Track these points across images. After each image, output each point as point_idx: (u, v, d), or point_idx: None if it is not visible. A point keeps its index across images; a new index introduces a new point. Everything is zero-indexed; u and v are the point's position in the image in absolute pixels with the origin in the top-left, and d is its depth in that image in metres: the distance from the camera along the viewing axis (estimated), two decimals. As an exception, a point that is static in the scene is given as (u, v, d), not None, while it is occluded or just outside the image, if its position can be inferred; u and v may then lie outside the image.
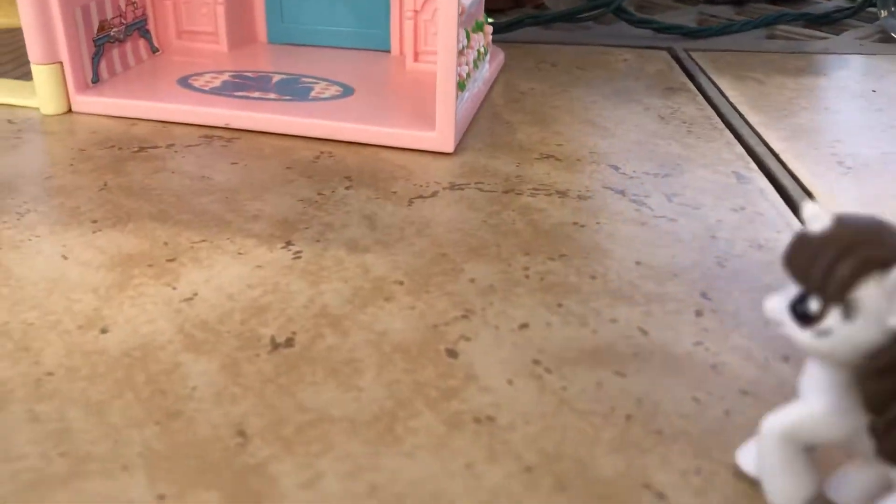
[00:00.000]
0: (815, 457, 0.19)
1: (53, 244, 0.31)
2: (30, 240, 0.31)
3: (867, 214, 0.16)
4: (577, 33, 0.65)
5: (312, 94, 0.45)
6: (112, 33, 0.46)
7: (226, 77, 0.47)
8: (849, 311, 0.15)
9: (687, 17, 0.71)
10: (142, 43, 0.49)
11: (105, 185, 0.36)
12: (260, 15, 0.53)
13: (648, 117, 0.46)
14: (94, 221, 0.33)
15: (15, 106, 0.44)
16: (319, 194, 0.36)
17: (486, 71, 0.49)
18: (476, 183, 0.37)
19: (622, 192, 0.37)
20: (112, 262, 0.30)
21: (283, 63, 0.50)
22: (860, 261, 0.15)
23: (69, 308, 0.27)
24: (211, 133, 0.42)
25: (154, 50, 0.50)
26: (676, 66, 0.56)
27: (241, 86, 0.46)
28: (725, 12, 0.74)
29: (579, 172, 0.39)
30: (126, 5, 0.47)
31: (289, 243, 0.32)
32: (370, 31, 0.52)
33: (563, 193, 0.36)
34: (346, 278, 0.29)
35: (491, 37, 0.49)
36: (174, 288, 0.29)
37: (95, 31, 0.44)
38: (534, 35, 0.63)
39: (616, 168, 0.39)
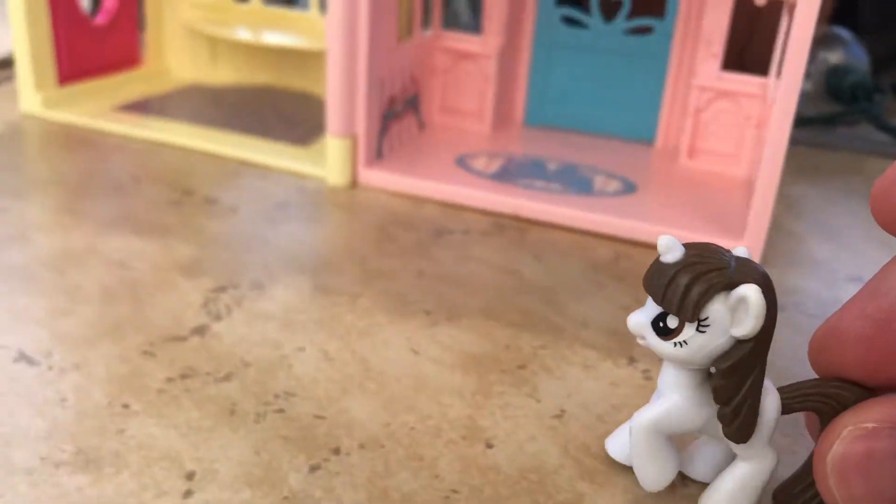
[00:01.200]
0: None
1: (397, 335, 0.30)
2: (372, 327, 0.31)
3: (710, 244, 0.20)
4: (826, 135, 0.62)
5: (595, 187, 0.44)
6: (396, 109, 0.46)
7: (501, 161, 0.46)
8: (700, 327, 0.19)
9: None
10: (413, 118, 0.49)
11: (421, 272, 0.35)
12: (520, 95, 0.53)
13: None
14: (428, 313, 0.32)
15: (302, 174, 0.45)
16: (638, 302, 0.34)
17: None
18: (794, 303, 0.35)
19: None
20: (464, 364, 0.29)
21: (551, 148, 0.49)
22: (708, 286, 0.19)
23: (444, 414, 0.26)
24: (500, 221, 0.41)
25: (421, 126, 0.50)
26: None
27: (519, 171, 0.45)
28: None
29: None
30: (408, 80, 0.47)
31: (632, 359, 0.30)
32: (635, 121, 0.51)
33: None
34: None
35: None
36: (538, 401, 0.27)
37: (385, 106, 0.45)
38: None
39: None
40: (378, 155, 0.45)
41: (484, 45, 0.50)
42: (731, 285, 0.19)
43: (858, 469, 0.18)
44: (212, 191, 0.42)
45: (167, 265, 0.34)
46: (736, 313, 0.19)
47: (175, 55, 0.59)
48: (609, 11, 0.50)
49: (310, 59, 0.57)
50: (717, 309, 0.19)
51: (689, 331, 0.19)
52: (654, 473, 0.22)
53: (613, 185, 0.44)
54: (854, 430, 0.18)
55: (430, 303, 0.33)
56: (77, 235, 0.36)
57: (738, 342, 0.19)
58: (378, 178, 0.44)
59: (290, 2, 0.71)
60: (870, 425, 0.18)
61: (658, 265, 0.20)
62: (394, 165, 0.44)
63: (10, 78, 0.58)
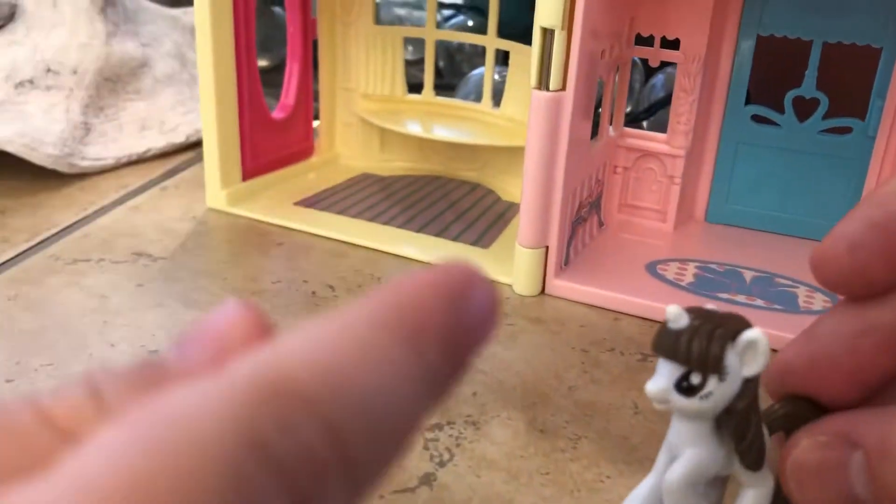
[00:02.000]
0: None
1: (628, 492, 0.29)
2: (601, 481, 0.29)
3: (700, 307, 0.21)
4: None
5: (801, 303, 0.41)
6: (583, 213, 0.45)
7: (694, 269, 0.45)
8: (722, 376, 0.21)
9: None
10: (595, 218, 0.48)
11: (636, 407, 0.34)
12: (703, 193, 0.51)
13: None
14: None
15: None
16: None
17: None
18: None
19: None
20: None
21: (743, 254, 0.47)
22: (722, 339, 0.20)
23: None
24: (703, 340, 0.39)
25: (601, 224, 0.49)
26: None
27: (716, 283, 0.43)
28: None
29: None
30: (594, 183, 0.46)
31: None
32: (829, 225, 0.48)
33: None
34: None
35: None
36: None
37: (574, 213, 0.44)
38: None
39: None
40: (565, 262, 0.44)
41: (671, 144, 0.48)
42: (734, 334, 0.22)
43: (812, 476, 0.21)
44: (404, 302, 0.41)
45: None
46: (744, 356, 0.21)
47: (346, 144, 0.60)
48: (803, 111, 0.48)
49: (479, 149, 0.57)
50: (731, 357, 0.21)
51: (712, 383, 0.22)
52: None
53: (818, 301, 0.41)
54: (811, 442, 0.21)
55: (654, 448, 0.31)
56: (285, 357, 0.36)
57: (747, 382, 0.22)
58: (568, 288, 0.42)
59: (450, 88, 0.71)
60: (823, 438, 0.21)
61: (673, 332, 0.22)
62: (583, 274, 0.43)
63: (190, 163, 0.60)
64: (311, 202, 0.53)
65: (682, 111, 0.48)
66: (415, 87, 0.60)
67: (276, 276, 0.43)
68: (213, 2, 0.46)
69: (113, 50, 0.60)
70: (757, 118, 0.49)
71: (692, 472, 0.23)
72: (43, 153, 0.53)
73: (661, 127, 0.67)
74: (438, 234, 0.49)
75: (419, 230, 0.49)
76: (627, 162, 0.50)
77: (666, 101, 0.64)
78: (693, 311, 0.22)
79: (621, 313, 0.41)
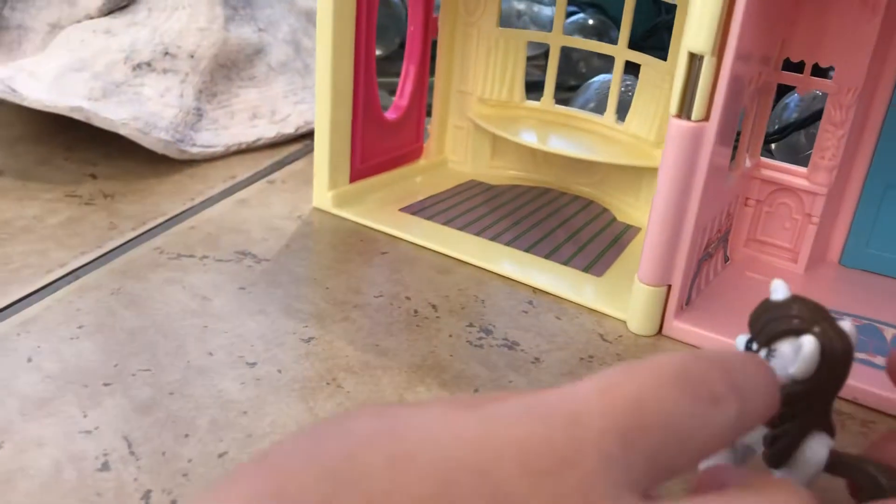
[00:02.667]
0: None
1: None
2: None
3: (814, 301, 0.24)
4: None
5: (952, 373, 0.37)
6: (710, 249, 0.42)
7: (829, 321, 0.41)
8: (771, 354, 0.23)
9: None
10: (721, 253, 0.44)
11: (763, 480, 0.31)
12: (840, 234, 0.47)
13: None
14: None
15: (600, 313, 0.41)
16: None
17: None
18: None
19: None
20: None
21: (881, 306, 0.43)
22: (788, 327, 0.23)
23: None
24: (837, 406, 0.36)
25: (726, 259, 0.46)
26: None
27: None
28: None
29: None
30: (725, 217, 0.43)
31: None
32: (985, 282, 0.44)
33: None
34: None
35: None
36: None
37: (702, 251, 0.40)
38: None
39: None
40: (687, 301, 0.40)
41: (812, 180, 0.44)
42: (801, 332, 0.23)
43: None
44: (510, 330, 0.39)
45: (483, 441, 0.31)
46: (797, 356, 0.23)
47: (456, 148, 0.58)
48: (969, 154, 0.43)
49: (596, 165, 0.54)
50: (785, 346, 0.23)
51: (762, 354, 0.24)
52: None
53: (974, 373, 0.37)
54: None
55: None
56: (386, 384, 0.34)
57: (794, 381, 0.23)
58: (688, 332, 0.39)
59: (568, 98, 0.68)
60: None
61: (765, 301, 0.25)
62: (705, 317, 0.40)
63: (298, 155, 0.59)
64: (418, 209, 0.51)
65: (828, 146, 0.44)
66: (530, 85, 0.57)
67: (378, 289, 0.42)
68: (337, -2, 0.45)
69: (230, 35, 0.60)
70: (912, 159, 0.44)
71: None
72: (154, 137, 0.53)
73: (791, 150, 0.63)
74: (548, 256, 0.46)
75: (528, 249, 0.47)
76: (761, 195, 0.46)
77: (800, 124, 0.60)
78: (793, 299, 0.24)
79: (746, 365, 0.38)
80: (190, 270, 0.42)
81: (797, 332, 0.23)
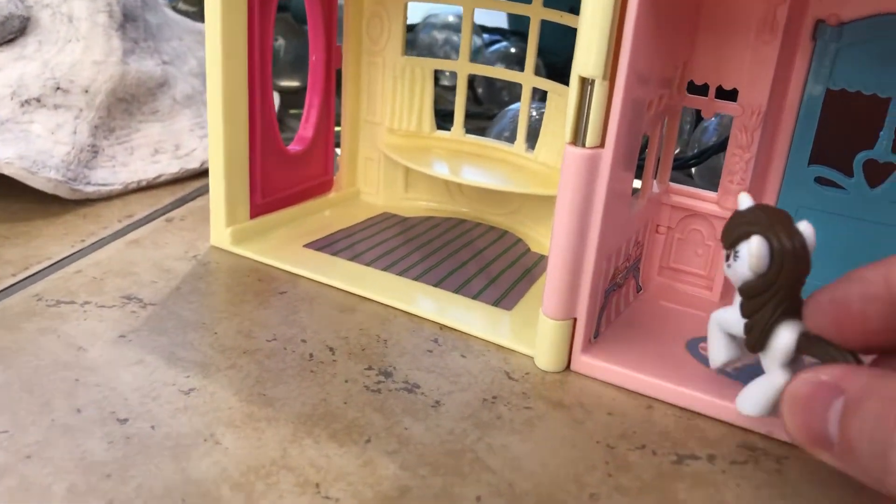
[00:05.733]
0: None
1: None
2: None
3: (775, 207, 0.31)
4: None
5: (865, 400, 0.36)
6: (618, 279, 0.40)
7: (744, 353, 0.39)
8: (734, 256, 0.29)
9: None
10: (632, 283, 0.43)
11: (668, 527, 0.29)
12: (754, 259, 0.46)
13: None
14: None
15: (508, 349, 0.39)
16: None
17: None
18: None
19: None
20: None
21: (798, 334, 0.41)
22: (741, 230, 0.28)
23: None
24: (749, 440, 0.34)
25: (638, 289, 0.44)
26: None
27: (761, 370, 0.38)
28: None
29: None
30: (634, 246, 0.42)
31: None
32: (898, 304, 0.43)
33: None
34: None
35: None
36: None
37: (608, 282, 0.39)
38: None
39: None
40: (595, 335, 0.39)
41: (722, 205, 0.43)
42: (751, 234, 0.27)
43: (799, 407, 0.25)
44: (411, 372, 0.37)
45: (372, 497, 0.29)
46: (751, 258, 0.27)
47: (367, 180, 0.56)
48: (875, 175, 0.42)
49: (510, 194, 0.52)
50: (742, 247, 0.28)
51: (731, 259, 0.29)
52: (716, 353, 0.33)
53: (887, 400, 0.36)
54: (808, 377, 0.25)
55: (686, 588, 0.26)
56: (269, 437, 0.32)
57: (756, 275, 0.28)
58: (597, 367, 0.38)
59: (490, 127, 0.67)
60: (820, 378, 0.25)
61: (734, 213, 0.29)
62: (614, 350, 0.38)
63: (202, 191, 0.56)
64: (324, 244, 0.48)
65: (736, 169, 0.43)
66: (450, 115, 0.55)
67: (272, 333, 0.39)
68: (226, 15, 0.42)
69: (129, 68, 0.57)
70: (821, 180, 0.44)
71: (719, 315, 0.32)
72: (43, 177, 0.50)
73: (712, 174, 0.62)
74: (458, 290, 0.44)
75: (437, 283, 0.45)
76: (672, 221, 0.45)
77: (719, 147, 0.59)
78: (756, 207, 0.29)
79: (656, 400, 0.36)
80: (68, 318, 0.39)
81: (748, 235, 0.27)
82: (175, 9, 0.87)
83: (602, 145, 0.34)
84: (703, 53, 0.42)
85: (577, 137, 0.34)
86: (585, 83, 0.33)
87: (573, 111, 0.34)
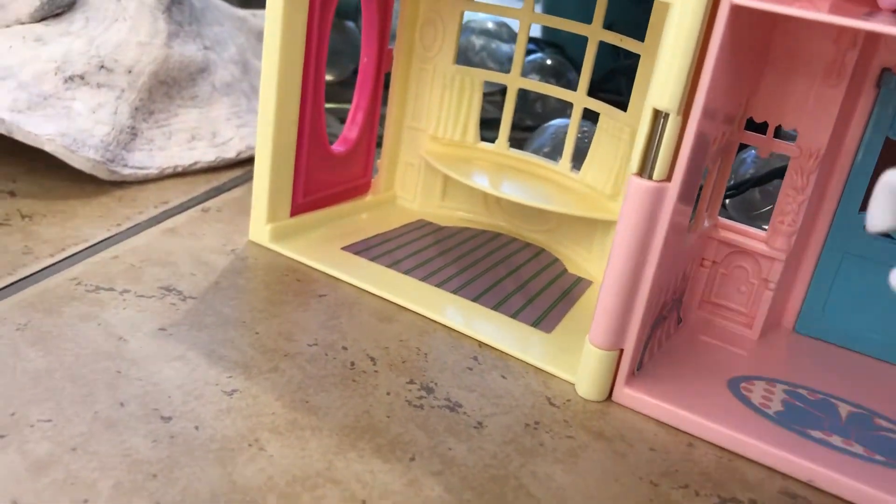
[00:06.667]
0: None
1: None
2: None
3: None
4: None
5: (907, 456, 0.36)
6: (665, 312, 0.40)
7: (783, 394, 0.39)
8: None
9: None
10: (674, 315, 0.43)
11: (716, 573, 0.29)
12: (796, 300, 0.46)
13: None
14: None
15: (548, 373, 0.39)
16: None
17: None
18: None
19: None
20: None
21: (836, 379, 0.41)
22: None
23: None
24: (790, 486, 0.34)
25: (679, 321, 0.44)
26: None
27: (806, 415, 0.38)
28: None
29: None
30: (681, 279, 0.41)
31: None
32: (938, 358, 0.43)
33: None
34: None
35: None
36: None
37: (656, 314, 0.38)
38: None
39: None
40: (639, 367, 0.38)
41: (771, 245, 0.43)
42: None
43: None
44: (453, 389, 0.37)
45: (417, 519, 0.29)
46: None
47: (406, 185, 0.56)
48: (928, 227, 0.42)
49: (547, 212, 0.52)
50: None
51: None
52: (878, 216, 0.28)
53: (929, 457, 0.36)
54: None
55: None
56: (314, 448, 0.31)
57: None
58: (639, 400, 0.37)
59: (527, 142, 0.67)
60: None
61: None
62: (657, 384, 0.38)
63: (237, 182, 0.56)
64: (361, 248, 0.48)
65: (788, 210, 0.42)
66: (486, 122, 0.55)
67: (313, 337, 0.39)
68: (286, 19, 0.42)
69: (173, 52, 0.56)
70: (870, 227, 0.43)
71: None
72: (82, 156, 0.49)
73: (746, 206, 0.62)
74: (496, 307, 0.44)
75: (475, 298, 0.44)
76: (717, 256, 0.45)
77: (757, 181, 0.59)
78: None
79: (697, 438, 0.36)
80: (108, 306, 0.38)
81: None
82: (213, -8, 0.86)
83: (669, 179, 0.34)
84: (766, 91, 0.42)
85: (645, 169, 0.34)
86: (659, 116, 0.33)
87: (643, 142, 0.34)
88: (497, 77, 0.53)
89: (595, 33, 0.49)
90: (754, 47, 0.39)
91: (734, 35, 0.32)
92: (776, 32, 0.41)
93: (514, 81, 0.52)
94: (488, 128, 0.56)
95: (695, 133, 0.33)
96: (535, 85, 0.53)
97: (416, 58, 0.52)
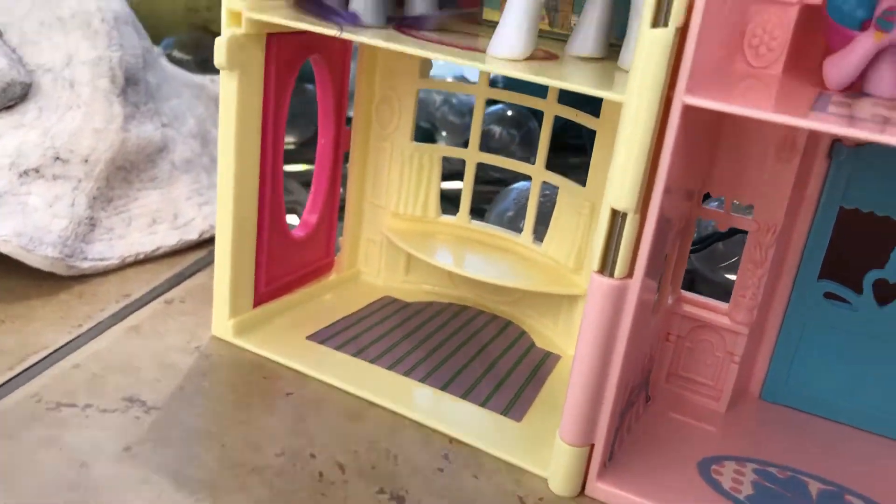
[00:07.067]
0: None
1: None
2: None
3: None
4: None
5: (879, 538, 0.36)
6: (632, 398, 0.40)
7: (753, 475, 0.39)
8: None
9: None
10: (642, 396, 0.43)
11: None
12: (760, 369, 0.46)
13: None
14: None
15: (520, 469, 0.39)
16: None
17: None
18: None
19: None
20: None
21: (804, 450, 0.42)
22: None
23: None
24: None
25: (647, 399, 0.44)
26: None
27: (777, 496, 0.38)
28: None
29: None
30: (647, 360, 0.41)
31: None
32: (903, 423, 0.43)
33: None
34: None
35: None
36: None
37: (624, 402, 0.38)
38: None
39: None
40: (610, 458, 0.38)
41: (734, 318, 0.43)
42: None
43: None
44: (423, 496, 0.36)
45: None
46: None
47: (369, 262, 0.55)
48: (885, 295, 0.43)
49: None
50: None
51: None
52: None
53: (900, 537, 0.36)
54: None
55: None
56: (284, 579, 0.31)
57: None
58: (611, 494, 0.37)
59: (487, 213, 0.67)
60: None
61: None
62: (629, 474, 0.38)
63: (200, 264, 0.55)
64: (327, 336, 0.48)
65: (748, 284, 0.43)
66: (447, 175, 0.55)
67: (280, 445, 0.38)
68: (241, 100, 0.42)
69: (130, 135, 0.56)
70: (830, 295, 0.44)
71: None
72: (40, 255, 0.48)
73: (711, 257, 0.62)
74: (465, 395, 0.44)
75: (444, 386, 0.44)
76: (681, 330, 0.45)
77: (721, 236, 0.59)
78: None
79: (671, 532, 0.36)
80: (69, 426, 0.38)
81: None
82: (169, 56, 0.86)
83: (630, 275, 0.34)
84: (721, 168, 0.42)
85: (606, 267, 0.34)
86: (616, 215, 0.33)
87: (602, 241, 0.34)
88: (456, 152, 0.53)
89: (551, 107, 0.49)
90: (708, 132, 0.39)
91: (688, 130, 0.32)
92: (728, 117, 0.41)
93: (473, 156, 0.52)
94: (450, 179, 0.55)
95: (654, 229, 0.33)
96: (495, 159, 0.53)
97: (374, 135, 0.52)
